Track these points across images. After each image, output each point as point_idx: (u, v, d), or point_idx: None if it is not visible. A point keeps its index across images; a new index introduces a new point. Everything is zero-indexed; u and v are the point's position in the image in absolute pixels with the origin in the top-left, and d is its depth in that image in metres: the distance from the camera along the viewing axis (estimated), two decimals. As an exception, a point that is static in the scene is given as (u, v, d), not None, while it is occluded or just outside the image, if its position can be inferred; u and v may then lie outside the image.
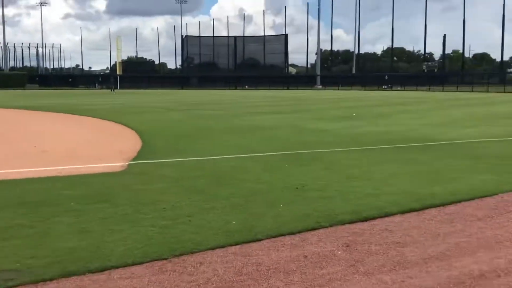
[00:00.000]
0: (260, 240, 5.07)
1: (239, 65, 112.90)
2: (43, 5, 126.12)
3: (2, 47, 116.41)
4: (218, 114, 23.59)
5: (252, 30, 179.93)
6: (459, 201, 6.59)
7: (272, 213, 5.98)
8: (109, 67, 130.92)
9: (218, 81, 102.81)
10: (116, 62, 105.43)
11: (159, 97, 49.60)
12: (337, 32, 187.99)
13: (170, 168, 8.99)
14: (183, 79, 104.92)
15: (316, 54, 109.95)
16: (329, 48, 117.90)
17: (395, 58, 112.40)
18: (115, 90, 72.56)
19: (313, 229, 5.41)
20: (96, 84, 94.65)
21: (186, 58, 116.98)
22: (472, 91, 65.91)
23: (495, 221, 5.72)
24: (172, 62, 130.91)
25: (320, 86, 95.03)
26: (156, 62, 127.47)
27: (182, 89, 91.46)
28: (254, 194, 6.96)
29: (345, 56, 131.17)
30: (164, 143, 12.65)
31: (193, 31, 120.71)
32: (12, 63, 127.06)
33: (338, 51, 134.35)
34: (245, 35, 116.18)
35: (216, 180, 7.90)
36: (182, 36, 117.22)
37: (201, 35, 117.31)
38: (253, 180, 7.88)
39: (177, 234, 5.18)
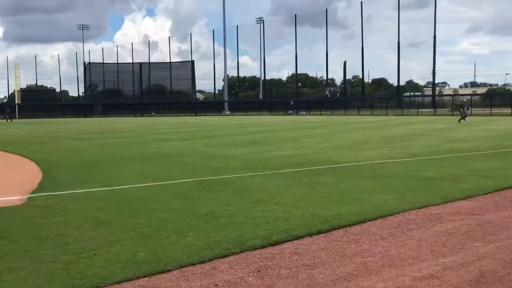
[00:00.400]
0: (170, 270, 4.94)
1: (145, 91, 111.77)
2: None
3: None
4: (124, 142, 23.05)
5: (157, 56, 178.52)
6: (364, 221, 6.80)
7: (182, 242, 5.86)
8: (7, 96, 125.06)
9: (123, 108, 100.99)
10: (14, 90, 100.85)
11: (61, 126, 47.87)
12: (243, 59, 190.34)
13: (73, 200, 8.61)
14: (86, 107, 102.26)
15: (223, 80, 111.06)
16: (236, 75, 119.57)
17: (299, 84, 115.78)
18: (13, 120, 69.21)
19: (224, 256, 5.36)
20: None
21: (89, 85, 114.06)
22: (372, 115, 69.12)
23: (398, 240, 5.94)
24: (75, 90, 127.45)
25: (228, 112, 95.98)
26: (58, 90, 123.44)
27: (86, 117, 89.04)
28: (163, 223, 6.81)
29: (252, 82, 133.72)
30: (66, 174, 12.14)
31: (96, 58, 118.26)
32: None
33: (245, 77, 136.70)
34: (150, 61, 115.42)
35: (122, 211, 7.66)
36: (84, 63, 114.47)
37: (104, 61, 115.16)
38: (161, 209, 7.72)
39: (81, 269, 4.94)
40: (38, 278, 4.70)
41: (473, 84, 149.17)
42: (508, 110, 58.88)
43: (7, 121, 66.22)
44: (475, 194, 8.63)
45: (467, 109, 35.49)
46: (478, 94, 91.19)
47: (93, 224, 6.80)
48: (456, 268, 4.90)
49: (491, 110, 63.82)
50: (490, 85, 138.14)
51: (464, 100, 38.31)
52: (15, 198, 8.75)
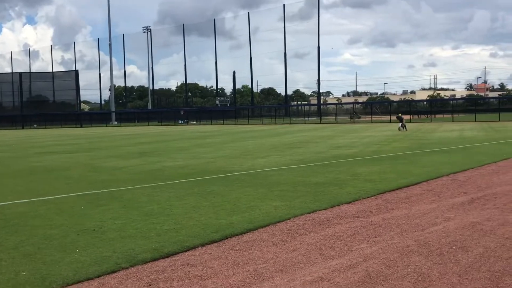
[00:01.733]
0: (55, 290, 4.68)
1: (26, 103, 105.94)
2: None
3: None
4: (3, 157, 21.67)
5: (39, 66, 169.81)
6: (256, 229, 6.86)
7: (68, 259, 5.58)
8: None
9: (2, 120, 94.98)
10: None
11: None
12: (130, 68, 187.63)
13: None
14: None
15: (109, 90, 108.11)
16: (123, 84, 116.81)
17: (189, 94, 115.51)
18: None
19: (113, 271, 5.17)
20: None
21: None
22: (262, 123, 70.45)
23: (289, 245, 6.05)
24: None
25: (116, 123, 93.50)
26: None
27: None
28: (47, 241, 6.45)
29: (140, 92, 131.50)
30: None
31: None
32: None
33: (132, 87, 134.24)
34: (31, 71, 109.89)
35: (2, 229, 7.17)
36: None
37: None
38: (45, 226, 7.31)
39: (-47, 296, 4.53)
40: None
41: (355, 93, 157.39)
42: (387, 117, 62.55)
43: None
44: (359, 197, 9.03)
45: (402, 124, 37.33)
46: (360, 103, 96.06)
47: (-33, 246, 6.28)
48: (344, 270, 5.06)
49: (371, 117, 67.58)
50: (371, 93, 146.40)
51: (400, 114, 40.62)
52: None
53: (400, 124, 37.42)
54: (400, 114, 40.39)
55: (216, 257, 5.62)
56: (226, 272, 5.10)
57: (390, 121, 58.25)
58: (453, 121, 56.00)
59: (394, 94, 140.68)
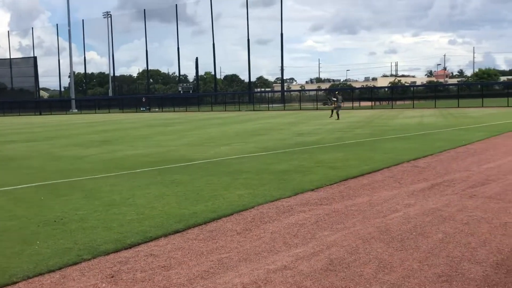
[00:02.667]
0: (15, 283, 4.62)
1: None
2: None
3: None
4: (-41, 146, 21.03)
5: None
6: (220, 218, 6.85)
7: (28, 251, 5.47)
8: None
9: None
10: None
11: None
12: (90, 55, 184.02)
13: None
14: None
15: (69, 77, 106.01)
16: (83, 71, 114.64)
17: (151, 80, 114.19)
18: None
19: (75, 263, 5.10)
20: None
21: None
22: (226, 110, 70.27)
23: (253, 234, 6.07)
24: None
25: (76, 110, 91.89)
26: None
27: None
28: (6, 233, 6.32)
29: (101, 78, 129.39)
30: None
31: None
32: None
33: (92, 73, 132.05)
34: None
35: (-42, 222, 6.96)
36: None
37: None
38: (4, 217, 7.14)
39: None
40: None
41: (318, 80, 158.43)
42: (349, 104, 63.12)
43: None
44: (322, 185, 9.11)
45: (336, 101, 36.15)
46: (323, 90, 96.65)
47: None
48: (307, 257, 5.11)
49: (334, 104, 68.06)
50: (333, 80, 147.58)
51: (337, 92, 39.54)
52: None
53: (334, 106, 35.39)
54: (337, 92, 38.50)
55: (179, 247, 5.60)
56: (189, 262, 5.09)
57: (352, 108, 58.93)
58: (413, 108, 56.93)
59: (356, 81, 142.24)
